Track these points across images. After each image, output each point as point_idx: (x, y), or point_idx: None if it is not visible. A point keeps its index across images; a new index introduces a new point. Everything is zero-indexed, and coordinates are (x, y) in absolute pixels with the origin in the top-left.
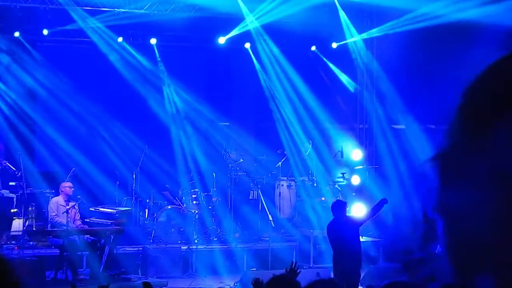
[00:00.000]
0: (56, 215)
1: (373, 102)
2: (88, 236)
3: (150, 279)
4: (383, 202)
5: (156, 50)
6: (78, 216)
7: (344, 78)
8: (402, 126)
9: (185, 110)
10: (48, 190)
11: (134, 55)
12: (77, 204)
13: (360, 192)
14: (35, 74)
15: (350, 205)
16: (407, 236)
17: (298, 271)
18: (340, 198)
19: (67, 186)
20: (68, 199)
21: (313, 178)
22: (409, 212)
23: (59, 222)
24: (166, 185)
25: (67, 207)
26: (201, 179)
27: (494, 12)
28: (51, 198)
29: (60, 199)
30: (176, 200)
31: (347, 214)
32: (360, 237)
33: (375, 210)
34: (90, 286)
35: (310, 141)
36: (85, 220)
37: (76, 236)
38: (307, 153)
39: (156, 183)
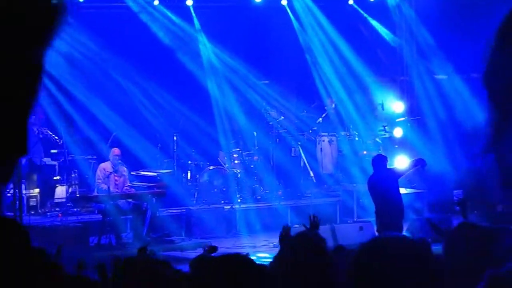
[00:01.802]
0: (101, 181)
1: (413, 53)
2: (131, 200)
3: (194, 240)
4: (419, 162)
5: (192, 12)
6: (127, 183)
7: (383, 31)
8: (443, 76)
9: (223, 70)
10: (89, 156)
11: (171, 18)
12: (126, 171)
13: (403, 144)
14: (71, 40)
15: (393, 158)
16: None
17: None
18: (382, 151)
19: (112, 152)
20: (115, 165)
21: (354, 132)
22: (451, 163)
23: (104, 188)
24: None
25: (111, 171)
26: (242, 138)
27: None
28: (100, 164)
29: (107, 165)
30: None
31: (387, 167)
32: (401, 189)
33: (411, 166)
34: (134, 250)
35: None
36: (128, 184)
37: (118, 200)
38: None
39: (197, 144)
